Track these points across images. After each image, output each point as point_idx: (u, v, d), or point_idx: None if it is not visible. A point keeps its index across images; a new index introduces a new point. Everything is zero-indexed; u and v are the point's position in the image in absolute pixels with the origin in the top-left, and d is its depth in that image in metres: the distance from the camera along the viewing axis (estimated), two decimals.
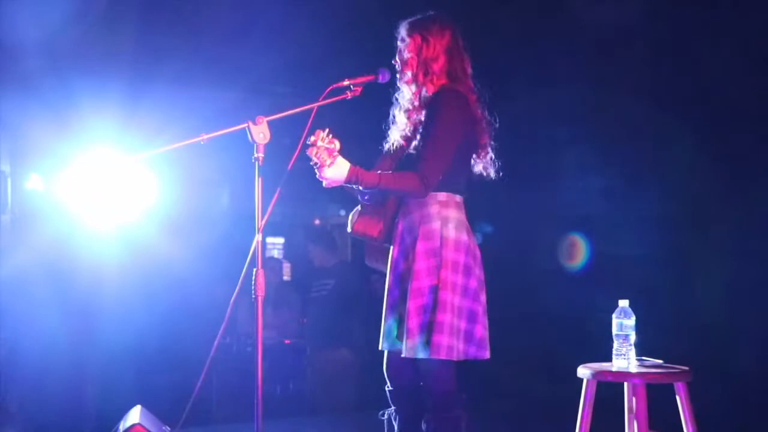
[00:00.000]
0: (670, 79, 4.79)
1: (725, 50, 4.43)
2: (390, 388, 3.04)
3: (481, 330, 2.85)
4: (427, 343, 2.77)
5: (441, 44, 2.93)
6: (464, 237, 2.87)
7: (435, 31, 2.93)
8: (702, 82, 4.57)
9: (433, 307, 2.79)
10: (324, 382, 5.62)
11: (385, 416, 3.05)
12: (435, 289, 2.80)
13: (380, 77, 2.95)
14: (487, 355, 2.86)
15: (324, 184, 2.85)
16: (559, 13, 4.87)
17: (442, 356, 2.75)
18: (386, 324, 2.94)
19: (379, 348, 2.99)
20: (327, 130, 2.74)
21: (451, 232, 2.84)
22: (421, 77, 2.93)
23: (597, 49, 4.96)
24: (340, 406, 5.52)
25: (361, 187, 2.82)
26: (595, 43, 4.92)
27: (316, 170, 2.79)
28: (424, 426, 2.89)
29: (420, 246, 2.84)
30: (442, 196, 2.88)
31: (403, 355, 2.83)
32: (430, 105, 2.89)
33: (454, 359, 2.79)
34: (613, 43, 4.84)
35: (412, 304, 2.81)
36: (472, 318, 2.84)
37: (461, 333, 2.81)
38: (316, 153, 2.71)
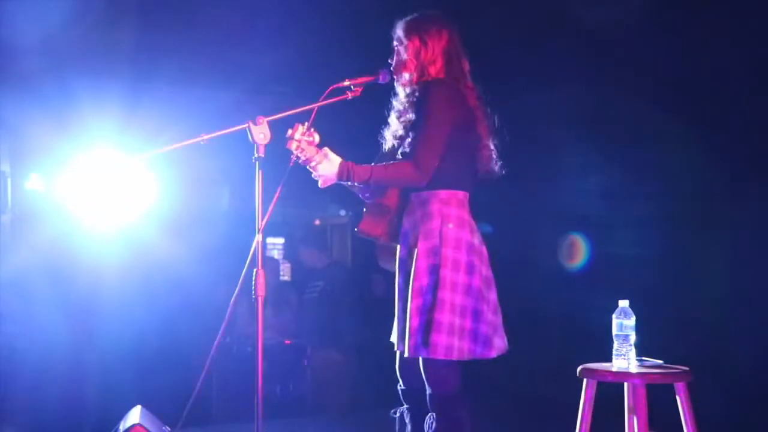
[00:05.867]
0: (670, 79, 4.79)
1: (725, 50, 4.43)
2: (402, 387, 3.04)
3: (486, 328, 2.82)
4: (426, 343, 2.75)
5: (439, 46, 2.91)
6: (466, 235, 2.83)
7: (433, 33, 2.91)
8: (702, 82, 4.57)
9: (431, 306, 2.77)
10: (324, 382, 5.62)
11: (398, 414, 3.05)
12: (434, 288, 2.78)
13: (380, 77, 2.95)
14: (492, 354, 2.83)
15: (320, 184, 2.87)
16: (559, 13, 4.87)
17: (440, 356, 2.73)
18: (399, 325, 2.92)
19: (395, 348, 2.99)
20: (306, 124, 2.76)
21: (451, 230, 2.81)
22: (416, 79, 2.91)
23: (597, 49, 4.96)
24: (340, 406, 5.52)
25: (354, 182, 2.82)
26: (595, 43, 4.92)
27: (310, 168, 2.82)
28: (426, 426, 2.87)
29: (421, 245, 2.82)
30: (444, 194, 2.85)
31: (405, 355, 2.83)
32: (417, 98, 2.86)
33: (455, 359, 2.76)
34: (613, 43, 4.84)
35: (413, 304, 2.80)
36: (476, 317, 2.81)
37: (466, 332, 2.78)
38: (297, 147, 2.74)
